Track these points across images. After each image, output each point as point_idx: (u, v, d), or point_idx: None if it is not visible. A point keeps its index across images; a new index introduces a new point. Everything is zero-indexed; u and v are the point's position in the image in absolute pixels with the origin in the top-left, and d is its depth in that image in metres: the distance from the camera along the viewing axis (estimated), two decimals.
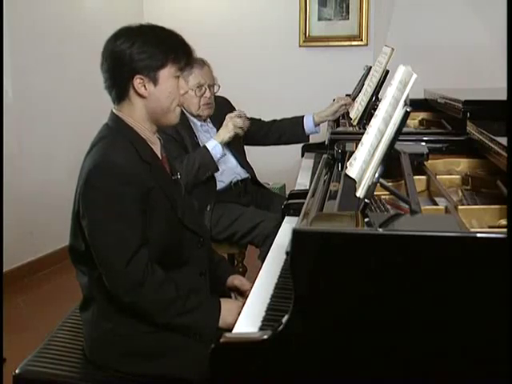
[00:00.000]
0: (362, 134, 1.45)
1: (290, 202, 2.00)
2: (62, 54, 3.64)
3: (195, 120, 2.57)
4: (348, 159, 1.52)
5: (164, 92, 1.54)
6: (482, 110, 1.99)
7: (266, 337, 1.09)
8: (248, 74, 4.18)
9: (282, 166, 3.88)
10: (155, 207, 1.51)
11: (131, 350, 1.54)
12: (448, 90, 2.54)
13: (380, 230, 1.10)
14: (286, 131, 2.83)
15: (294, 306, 1.07)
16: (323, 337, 1.07)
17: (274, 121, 2.86)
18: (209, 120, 2.62)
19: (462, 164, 1.87)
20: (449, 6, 3.79)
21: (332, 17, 4.08)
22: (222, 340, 1.11)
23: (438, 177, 1.68)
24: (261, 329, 1.23)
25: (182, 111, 1.66)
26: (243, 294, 1.72)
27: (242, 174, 2.65)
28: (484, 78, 3.33)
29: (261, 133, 2.80)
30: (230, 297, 1.75)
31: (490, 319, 1.03)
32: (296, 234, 1.07)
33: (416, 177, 1.55)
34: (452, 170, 1.85)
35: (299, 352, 1.08)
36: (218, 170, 2.44)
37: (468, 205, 1.50)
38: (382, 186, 1.30)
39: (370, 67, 2.98)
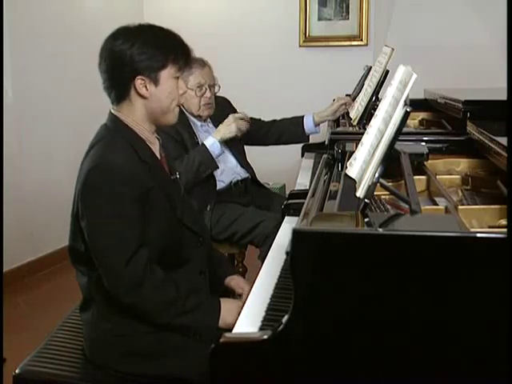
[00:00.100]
0: (362, 134, 1.45)
1: (290, 202, 2.00)
2: (62, 54, 3.64)
3: (195, 120, 2.57)
4: (348, 159, 1.52)
5: (164, 92, 1.54)
6: (482, 110, 1.99)
7: (266, 337, 1.09)
8: (248, 73, 4.18)
9: (282, 166, 3.88)
10: (154, 207, 1.51)
11: (131, 350, 1.54)
12: (448, 89, 2.54)
13: (380, 230, 1.10)
14: (286, 131, 2.83)
15: (294, 306, 1.07)
16: (323, 337, 1.07)
17: (274, 121, 2.86)
18: (209, 120, 2.62)
19: (462, 164, 1.87)
20: (449, 5, 3.79)
21: (332, 17, 4.08)
22: (221, 340, 1.11)
23: (438, 177, 1.68)
24: (261, 329, 1.23)
25: (182, 111, 1.66)
26: (240, 296, 1.72)
27: (242, 173, 2.65)
28: (484, 77, 3.32)
29: (261, 133, 2.79)
30: (230, 297, 1.75)
31: (489, 319, 1.03)
32: (296, 234, 1.07)
33: (416, 177, 1.55)
34: (452, 169, 1.85)
35: (299, 352, 1.08)
36: (218, 167, 2.44)
37: (468, 205, 1.50)
38: (382, 186, 1.30)
39: (370, 67, 2.98)
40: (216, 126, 2.54)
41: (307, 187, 2.14)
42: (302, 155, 2.98)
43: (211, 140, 2.41)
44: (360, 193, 1.27)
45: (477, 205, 1.50)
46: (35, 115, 3.51)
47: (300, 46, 4.16)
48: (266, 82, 4.18)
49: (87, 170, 1.47)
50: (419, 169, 1.70)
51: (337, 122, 2.79)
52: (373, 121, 1.40)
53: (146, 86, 1.52)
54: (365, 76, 3.01)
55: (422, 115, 2.81)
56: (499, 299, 1.01)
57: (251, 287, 1.48)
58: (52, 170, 3.62)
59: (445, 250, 1.02)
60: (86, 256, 1.52)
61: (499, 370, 1.03)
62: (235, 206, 2.53)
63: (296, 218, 1.55)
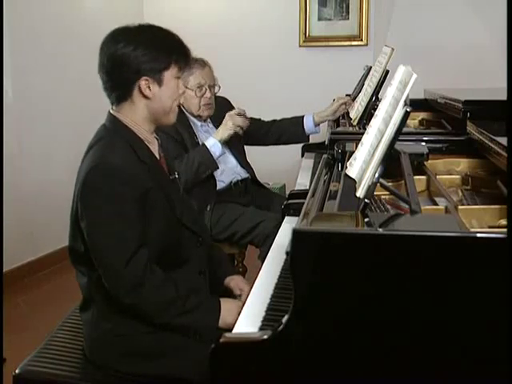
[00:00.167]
0: (362, 134, 1.45)
1: (290, 202, 2.00)
2: (62, 54, 3.64)
3: (195, 120, 2.57)
4: (348, 159, 1.52)
5: (167, 93, 1.55)
6: (482, 110, 1.99)
7: (266, 337, 1.09)
8: (248, 73, 4.18)
9: (282, 166, 3.88)
10: (154, 207, 1.51)
11: (131, 350, 1.54)
12: (448, 90, 2.54)
13: (380, 230, 1.10)
14: (286, 131, 2.83)
15: (294, 306, 1.07)
16: (323, 337, 1.07)
17: (274, 121, 2.86)
18: (209, 120, 2.62)
19: (462, 164, 1.87)
20: (449, 5, 3.79)
21: (332, 17, 4.08)
22: (221, 340, 1.12)
23: (438, 177, 1.68)
24: (261, 329, 1.23)
25: (182, 111, 1.66)
26: (239, 296, 1.72)
27: (242, 173, 2.65)
28: (484, 77, 3.32)
29: (261, 132, 2.80)
30: (230, 297, 1.75)
31: (489, 319, 1.03)
32: (296, 234, 1.07)
33: (416, 177, 1.55)
34: (452, 169, 1.85)
35: (299, 352, 1.08)
36: (218, 168, 2.44)
37: (468, 205, 1.50)
38: (382, 186, 1.30)
39: (370, 67, 2.98)
40: (216, 126, 2.54)
41: (307, 187, 2.14)
42: (302, 155, 2.98)
43: (212, 141, 2.41)
44: (360, 193, 1.27)
45: (477, 205, 1.50)
46: (35, 115, 3.51)
47: (300, 46, 4.15)
48: (266, 81, 4.18)
49: (87, 170, 1.47)
50: (419, 169, 1.70)
51: (337, 122, 2.79)
52: (373, 121, 1.40)
53: (149, 87, 1.52)
54: (365, 76, 3.01)
55: (422, 115, 2.81)
56: (499, 299, 1.01)
57: (251, 287, 1.48)
58: (52, 170, 3.62)
59: (445, 250, 1.02)
60: (86, 256, 1.52)
61: (499, 369, 1.03)
62: (235, 206, 2.53)
63: (296, 218, 1.55)
